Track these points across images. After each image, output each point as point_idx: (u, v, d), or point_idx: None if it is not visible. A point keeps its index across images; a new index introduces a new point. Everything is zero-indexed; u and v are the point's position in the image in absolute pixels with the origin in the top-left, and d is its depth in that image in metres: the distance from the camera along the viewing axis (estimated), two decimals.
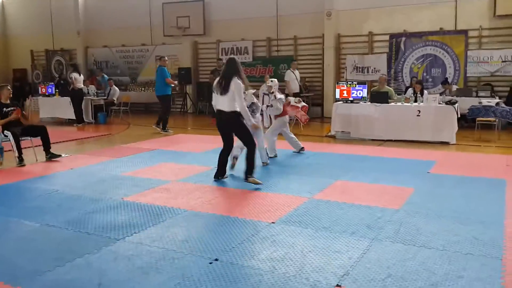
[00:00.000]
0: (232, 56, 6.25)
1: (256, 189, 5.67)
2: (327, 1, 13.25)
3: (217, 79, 5.92)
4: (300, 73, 14.21)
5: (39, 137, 7.67)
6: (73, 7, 17.46)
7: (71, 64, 14.06)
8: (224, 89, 5.70)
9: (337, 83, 10.35)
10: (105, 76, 15.22)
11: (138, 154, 8.10)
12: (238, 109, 5.75)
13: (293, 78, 12.51)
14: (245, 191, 5.62)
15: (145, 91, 16.48)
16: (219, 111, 5.86)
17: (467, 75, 11.89)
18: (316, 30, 13.67)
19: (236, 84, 5.67)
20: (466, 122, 10.48)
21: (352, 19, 13.17)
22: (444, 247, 3.79)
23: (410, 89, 10.53)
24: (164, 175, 6.52)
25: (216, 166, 6.16)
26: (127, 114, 14.20)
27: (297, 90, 12.48)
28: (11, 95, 7.64)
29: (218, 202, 5.27)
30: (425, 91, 10.12)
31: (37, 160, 7.62)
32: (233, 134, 6.07)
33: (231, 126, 5.92)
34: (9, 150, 7.47)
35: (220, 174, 6.17)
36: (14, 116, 7.42)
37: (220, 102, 5.81)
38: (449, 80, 11.87)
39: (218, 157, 6.12)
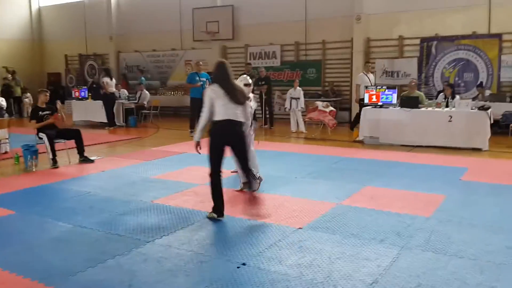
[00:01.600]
0: (221, 59, 5.26)
1: (284, 194, 5.66)
2: (357, 5, 13.14)
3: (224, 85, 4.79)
4: (327, 77, 14.17)
5: (72, 140, 7.88)
6: (106, 13, 17.92)
7: (104, 69, 14.42)
8: (243, 98, 4.84)
9: (366, 87, 10.24)
10: (143, 78, 15.57)
11: (167, 157, 8.22)
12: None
13: (366, 81, 11.00)
14: (272, 196, 5.63)
15: (175, 95, 16.74)
16: (235, 122, 4.72)
17: (501, 80, 11.57)
18: (345, 34, 13.57)
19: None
20: (500, 128, 10.20)
21: (382, 23, 13.02)
22: (476, 256, 3.70)
23: (441, 94, 10.33)
24: (193, 178, 6.60)
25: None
26: (157, 118, 14.44)
27: None
28: (48, 100, 7.89)
29: (245, 207, 5.28)
30: (457, 96, 9.90)
31: (70, 162, 7.83)
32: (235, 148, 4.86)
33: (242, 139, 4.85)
34: (43, 152, 7.71)
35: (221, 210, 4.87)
36: (51, 121, 7.66)
37: (236, 112, 4.72)
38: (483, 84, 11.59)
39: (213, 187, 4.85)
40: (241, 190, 5.80)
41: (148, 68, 17.47)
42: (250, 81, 5.74)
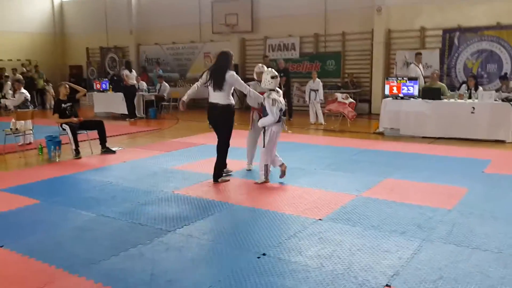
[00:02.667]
0: (225, 50, 5.99)
1: (303, 185, 5.66)
2: None
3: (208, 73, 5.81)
4: (347, 68, 14.04)
5: (94, 131, 8.01)
6: (126, 6, 18.08)
7: (125, 62, 14.57)
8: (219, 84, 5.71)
9: (387, 78, 10.12)
10: (161, 70, 15.70)
11: (187, 149, 8.29)
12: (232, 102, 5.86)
13: (419, 74, 10.49)
14: (292, 187, 5.63)
15: None
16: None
17: None
18: (365, 25, 13.41)
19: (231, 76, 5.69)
20: None
21: (403, 14, 12.81)
22: (499, 249, 3.64)
23: (464, 85, 10.14)
24: (212, 169, 6.61)
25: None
26: (176, 110, 14.53)
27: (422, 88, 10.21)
28: (69, 92, 8.01)
29: (265, 197, 5.31)
30: (480, 88, 9.71)
31: (92, 152, 7.96)
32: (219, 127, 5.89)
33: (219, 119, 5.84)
34: (66, 143, 7.85)
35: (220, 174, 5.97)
36: (75, 120, 7.78)
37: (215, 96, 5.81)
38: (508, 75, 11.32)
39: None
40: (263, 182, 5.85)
41: (168, 61, 17.58)
42: (276, 73, 5.69)
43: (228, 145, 5.97)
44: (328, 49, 14.36)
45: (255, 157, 6.50)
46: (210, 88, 5.80)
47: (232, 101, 5.88)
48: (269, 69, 5.72)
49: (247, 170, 6.58)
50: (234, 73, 5.80)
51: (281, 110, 5.62)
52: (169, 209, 4.84)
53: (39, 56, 19.31)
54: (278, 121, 5.65)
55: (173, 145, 8.70)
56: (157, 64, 16.63)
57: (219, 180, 5.96)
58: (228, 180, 6.01)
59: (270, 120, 5.59)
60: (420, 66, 10.82)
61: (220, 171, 6.02)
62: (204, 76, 5.91)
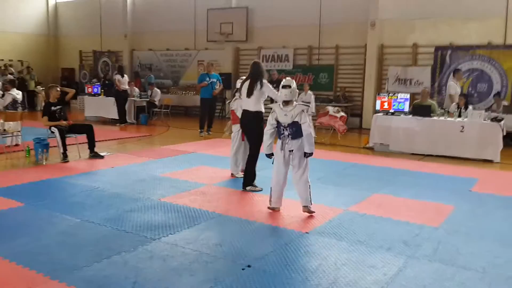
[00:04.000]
0: (256, 60, 6.22)
1: (291, 198, 5.64)
2: (372, 11, 13.10)
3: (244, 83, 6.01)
4: (339, 82, 14.13)
5: (83, 135, 7.94)
6: (122, 11, 18.07)
7: (118, 66, 14.54)
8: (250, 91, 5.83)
9: (378, 94, 10.19)
10: (152, 76, 15.66)
11: (176, 156, 8.25)
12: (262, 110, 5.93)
13: (458, 92, 10.16)
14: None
15: (186, 95, 16.81)
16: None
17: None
18: (358, 39, 13.52)
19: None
20: None
21: (397, 29, 12.95)
22: (484, 269, 3.65)
23: (454, 103, 10.24)
24: (201, 178, 6.61)
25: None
26: (168, 117, 14.49)
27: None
28: (59, 95, 7.95)
29: (252, 208, 5.28)
30: (470, 107, 9.81)
31: (80, 157, 7.89)
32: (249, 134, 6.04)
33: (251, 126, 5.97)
34: (54, 146, 7.77)
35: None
36: (65, 124, 7.73)
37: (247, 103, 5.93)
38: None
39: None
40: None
41: (161, 67, 17.56)
42: (290, 83, 5.03)
43: (256, 152, 5.94)
44: (321, 61, 14.44)
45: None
46: (243, 96, 5.95)
47: (262, 108, 5.99)
48: (286, 78, 5.37)
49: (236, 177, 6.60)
50: (266, 81, 5.95)
51: (281, 126, 4.97)
52: (155, 217, 4.79)
53: (32, 57, 19.19)
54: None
55: (162, 152, 8.65)
56: (149, 69, 16.61)
57: (247, 188, 5.94)
58: (260, 190, 5.90)
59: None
60: (459, 83, 10.34)
61: (248, 178, 5.98)
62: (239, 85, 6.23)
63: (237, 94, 6.57)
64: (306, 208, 4.95)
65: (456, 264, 3.73)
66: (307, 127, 4.82)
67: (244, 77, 6.17)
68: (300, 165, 4.90)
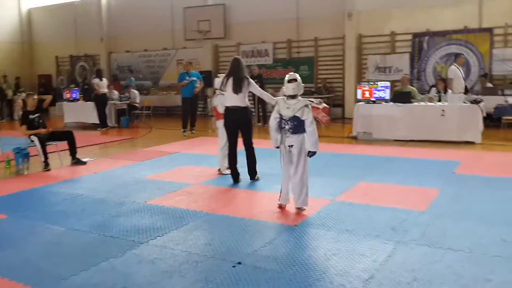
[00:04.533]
0: (237, 56, 6.38)
1: (278, 191, 5.64)
2: (348, 2, 13.16)
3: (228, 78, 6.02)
4: (320, 74, 14.17)
5: (64, 142, 7.81)
6: (97, 14, 17.82)
7: (96, 70, 14.33)
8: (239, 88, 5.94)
9: (359, 83, 10.25)
10: (133, 78, 15.47)
11: (160, 158, 8.18)
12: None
13: (458, 75, 9.93)
14: (267, 194, 5.60)
15: (167, 95, 16.67)
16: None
17: (493, 73, 11.64)
18: (336, 31, 13.58)
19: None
20: (492, 121, 10.24)
21: (374, 19, 13.04)
22: (471, 249, 3.70)
23: (433, 88, 10.35)
24: (186, 178, 6.56)
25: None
26: (149, 118, 14.38)
27: (462, 90, 9.89)
28: (37, 103, 7.80)
29: (240, 205, 5.27)
30: (449, 90, 9.93)
31: (62, 164, 7.76)
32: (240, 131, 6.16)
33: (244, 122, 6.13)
34: (35, 155, 7.63)
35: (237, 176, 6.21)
36: (44, 131, 7.59)
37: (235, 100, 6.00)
38: (474, 78, 11.67)
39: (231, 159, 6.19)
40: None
41: (140, 68, 17.39)
42: (295, 76, 4.91)
43: (252, 144, 6.19)
44: (301, 54, 14.48)
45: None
46: (229, 92, 6.00)
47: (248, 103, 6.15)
48: (290, 72, 5.09)
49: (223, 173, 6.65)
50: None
51: (282, 119, 4.81)
52: (141, 220, 4.74)
53: (7, 65, 18.75)
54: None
55: (146, 154, 8.56)
56: (130, 72, 16.41)
57: (256, 177, 6.20)
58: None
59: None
60: (461, 68, 10.19)
61: (254, 171, 6.23)
62: (218, 83, 6.24)
63: (217, 91, 6.56)
64: (299, 209, 4.80)
65: (444, 247, 3.77)
66: (310, 124, 4.64)
67: (223, 75, 6.17)
68: (298, 162, 4.72)
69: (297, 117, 4.67)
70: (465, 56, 11.79)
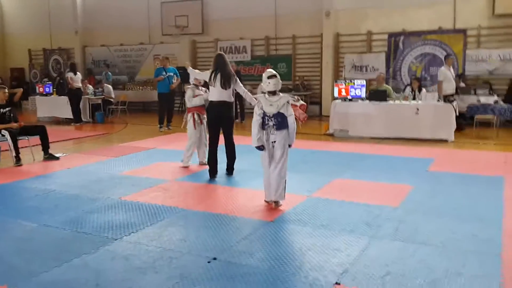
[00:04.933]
0: (220, 52, 6.49)
1: (255, 188, 5.65)
2: (326, 0, 13.23)
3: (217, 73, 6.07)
4: (298, 71, 14.22)
5: (36, 136, 7.63)
6: (71, 6, 17.41)
7: (70, 64, 14.04)
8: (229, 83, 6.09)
9: (336, 81, 10.33)
10: (110, 73, 15.20)
11: (136, 153, 8.07)
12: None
13: (449, 77, 9.90)
14: (243, 189, 5.61)
15: (143, 90, 16.47)
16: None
17: (466, 73, 11.89)
18: (314, 29, 13.65)
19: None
20: (465, 120, 10.47)
21: (351, 18, 13.15)
22: (443, 244, 3.78)
23: (408, 87, 10.52)
24: (162, 174, 6.50)
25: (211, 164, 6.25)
26: (125, 113, 14.17)
27: (453, 91, 9.99)
28: (8, 97, 7.60)
29: (216, 201, 5.25)
30: (423, 89, 10.11)
31: (34, 159, 7.58)
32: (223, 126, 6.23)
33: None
34: (6, 150, 7.43)
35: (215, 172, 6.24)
36: (15, 125, 7.40)
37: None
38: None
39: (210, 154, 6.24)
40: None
41: (116, 63, 17.11)
42: (275, 72, 4.94)
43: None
44: (279, 52, 14.50)
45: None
46: (217, 87, 6.05)
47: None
48: (268, 69, 5.07)
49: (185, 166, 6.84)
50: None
51: (266, 116, 4.80)
52: (116, 217, 4.67)
53: None
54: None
55: (121, 150, 8.44)
56: (106, 66, 16.13)
57: (233, 173, 6.30)
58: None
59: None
60: (451, 69, 10.25)
61: (232, 167, 6.34)
62: (207, 75, 6.19)
63: (191, 83, 6.87)
64: (276, 204, 4.82)
65: (417, 242, 3.84)
66: (293, 120, 4.77)
67: (208, 71, 6.23)
68: (280, 157, 4.76)
69: (281, 113, 4.73)
70: (439, 56, 12.03)
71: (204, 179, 6.12)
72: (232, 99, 6.21)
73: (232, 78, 6.11)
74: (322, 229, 4.17)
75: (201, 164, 6.89)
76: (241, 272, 3.35)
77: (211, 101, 6.14)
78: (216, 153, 6.18)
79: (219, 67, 6.07)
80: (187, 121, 6.88)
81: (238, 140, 8.72)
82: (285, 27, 14.13)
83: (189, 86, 6.96)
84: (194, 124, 6.79)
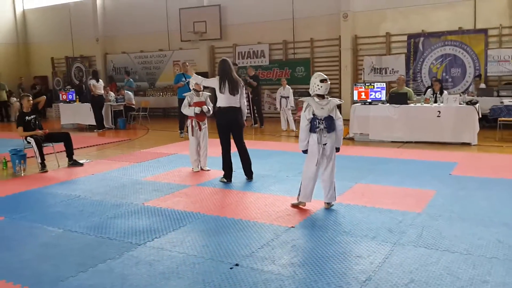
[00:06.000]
0: (224, 57, 6.48)
1: (276, 193, 5.66)
2: (344, 2, 13.19)
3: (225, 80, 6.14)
4: None
5: (61, 143, 7.80)
6: (92, 15, 17.77)
7: (92, 71, 14.30)
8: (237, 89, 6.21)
9: (355, 84, 10.28)
10: (131, 80, 15.38)
11: (158, 159, 8.17)
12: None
13: None
14: (264, 195, 5.61)
15: (163, 96, 16.67)
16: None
17: (488, 74, 11.70)
18: (332, 32, 13.61)
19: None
20: (488, 122, 10.29)
21: (369, 20, 13.08)
22: (468, 251, 3.72)
23: (429, 89, 10.40)
24: (183, 179, 6.57)
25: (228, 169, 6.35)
26: (146, 119, 14.36)
27: None
28: (32, 105, 7.79)
29: (237, 206, 5.28)
30: (445, 91, 9.98)
31: (59, 166, 7.75)
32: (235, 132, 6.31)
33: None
34: (32, 157, 7.62)
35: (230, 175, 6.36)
36: (41, 133, 7.57)
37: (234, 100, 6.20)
38: (469, 79, 11.74)
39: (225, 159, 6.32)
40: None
41: (136, 70, 17.36)
42: (326, 76, 4.98)
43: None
44: (297, 55, 14.50)
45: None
46: (226, 94, 6.12)
47: None
48: (318, 72, 5.10)
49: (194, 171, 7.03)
50: None
51: (316, 119, 4.85)
52: (139, 222, 4.74)
53: (2, 67, 18.69)
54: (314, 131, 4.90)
55: (143, 156, 8.56)
56: (126, 73, 16.35)
57: (252, 177, 6.36)
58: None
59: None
60: None
61: (251, 171, 6.39)
62: (215, 82, 6.23)
63: (190, 88, 6.98)
64: (329, 204, 5.03)
65: (441, 248, 3.79)
66: (341, 123, 4.94)
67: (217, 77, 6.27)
68: (330, 159, 4.93)
69: (331, 116, 4.87)
70: (460, 57, 11.86)
71: (225, 185, 6.16)
72: (240, 104, 6.24)
73: (240, 84, 6.23)
74: (344, 235, 4.16)
75: (202, 170, 7.05)
76: (263, 278, 3.36)
77: (220, 107, 6.20)
78: (229, 158, 6.26)
79: (227, 73, 6.16)
80: (188, 127, 7.11)
81: (257, 145, 8.78)
82: (303, 31, 14.12)
83: (187, 94, 7.07)
84: (192, 131, 6.97)
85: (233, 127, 6.25)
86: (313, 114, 4.86)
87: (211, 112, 7.09)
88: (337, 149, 5.02)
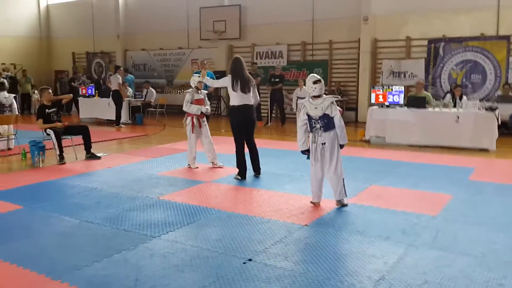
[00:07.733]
0: (237, 56, 6.56)
1: (290, 191, 5.67)
2: (364, 5, 13.12)
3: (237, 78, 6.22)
4: (334, 77, 14.14)
5: (79, 136, 7.92)
6: (114, 11, 18.01)
7: (115, 66, 14.44)
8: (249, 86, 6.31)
9: (373, 87, 10.22)
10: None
11: (174, 155, 8.24)
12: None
13: None
14: (278, 193, 5.63)
15: (181, 94, 16.76)
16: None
17: (509, 81, 11.51)
18: (352, 34, 13.55)
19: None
20: (507, 129, 10.14)
21: (389, 23, 12.99)
22: (483, 254, 3.68)
23: (448, 94, 10.28)
24: (199, 175, 6.62)
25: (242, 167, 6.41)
26: (163, 116, 14.48)
27: None
28: (52, 98, 7.92)
29: (251, 203, 5.30)
30: (464, 97, 9.86)
31: (77, 158, 7.87)
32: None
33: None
34: (51, 149, 7.75)
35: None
36: (60, 125, 7.70)
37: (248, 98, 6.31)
38: (490, 86, 11.58)
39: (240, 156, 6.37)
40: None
41: (155, 67, 17.53)
42: (319, 77, 5.07)
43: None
44: (315, 57, 14.46)
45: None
46: (238, 92, 6.19)
47: None
48: (312, 74, 5.20)
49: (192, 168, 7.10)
50: None
51: (312, 119, 4.94)
52: (154, 215, 4.80)
53: (25, 60, 19.05)
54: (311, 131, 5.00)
55: (159, 151, 8.64)
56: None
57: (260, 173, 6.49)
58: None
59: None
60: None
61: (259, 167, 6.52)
62: (226, 81, 6.31)
63: (192, 85, 7.06)
64: (339, 202, 5.01)
65: (455, 251, 3.76)
66: (339, 120, 4.89)
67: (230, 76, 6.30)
68: (332, 157, 4.91)
69: (327, 114, 4.85)
70: (481, 63, 11.70)
71: (239, 182, 6.19)
72: (252, 102, 6.33)
73: (251, 82, 6.29)
74: (358, 235, 4.15)
75: (214, 165, 7.11)
76: (276, 274, 3.37)
77: (233, 106, 6.26)
78: (244, 155, 6.33)
79: (238, 71, 6.21)
80: (186, 124, 7.12)
81: (272, 144, 8.78)
82: (322, 32, 14.09)
83: (188, 90, 7.12)
84: (193, 129, 7.00)
85: (247, 124, 6.33)
86: (308, 115, 4.93)
87: (209, 111, 7.29)
88: (341, 146, 4.98)
